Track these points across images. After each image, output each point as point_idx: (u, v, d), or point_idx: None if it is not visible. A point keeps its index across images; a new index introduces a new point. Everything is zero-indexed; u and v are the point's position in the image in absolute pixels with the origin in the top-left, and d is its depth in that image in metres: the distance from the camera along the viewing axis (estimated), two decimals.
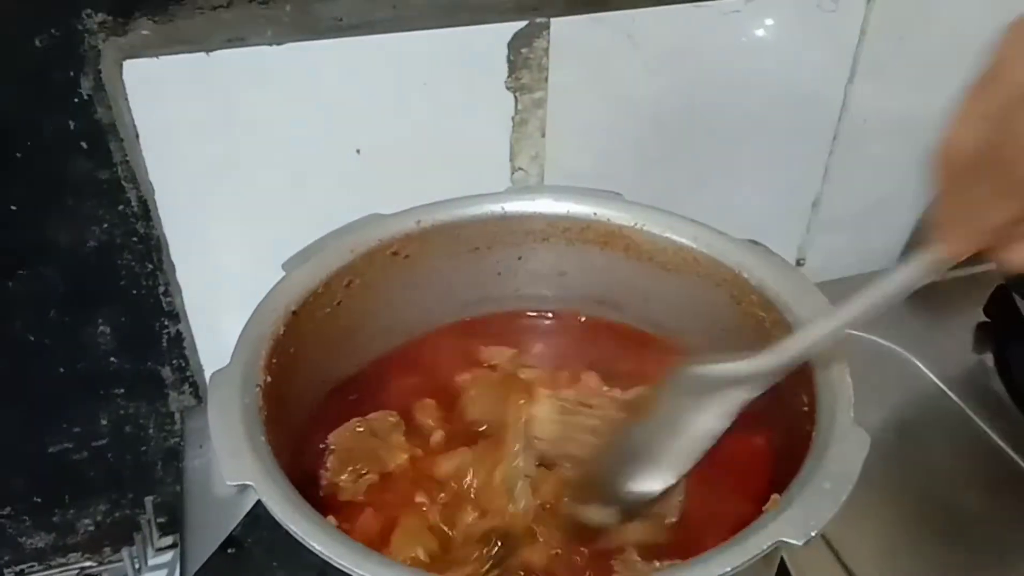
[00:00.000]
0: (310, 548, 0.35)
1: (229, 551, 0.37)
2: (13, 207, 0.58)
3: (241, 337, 0.44)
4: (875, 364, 0.76)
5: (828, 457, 0.38)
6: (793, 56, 0.70)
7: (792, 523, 0.35)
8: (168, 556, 0.74)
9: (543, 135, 0.67)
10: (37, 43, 0.53)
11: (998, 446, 0.68)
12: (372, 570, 0.34)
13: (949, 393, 0.73)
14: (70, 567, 0.75)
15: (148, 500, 0.73)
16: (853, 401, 0.41)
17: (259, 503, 0.37)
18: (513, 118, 0.66)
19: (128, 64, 0.55)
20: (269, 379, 0.43)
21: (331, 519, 0.39)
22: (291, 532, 0.35)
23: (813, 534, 0.35)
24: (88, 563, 0.75)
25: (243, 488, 0.38)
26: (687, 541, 0.44)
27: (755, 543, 0.34)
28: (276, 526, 0.36)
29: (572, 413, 0.51)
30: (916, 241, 0.86)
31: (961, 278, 0.84)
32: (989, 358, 0.75)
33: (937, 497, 0.65)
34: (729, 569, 0.33)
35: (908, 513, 0.64)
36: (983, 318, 0.78)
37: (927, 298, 0.84)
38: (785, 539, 0.34)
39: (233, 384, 0.41)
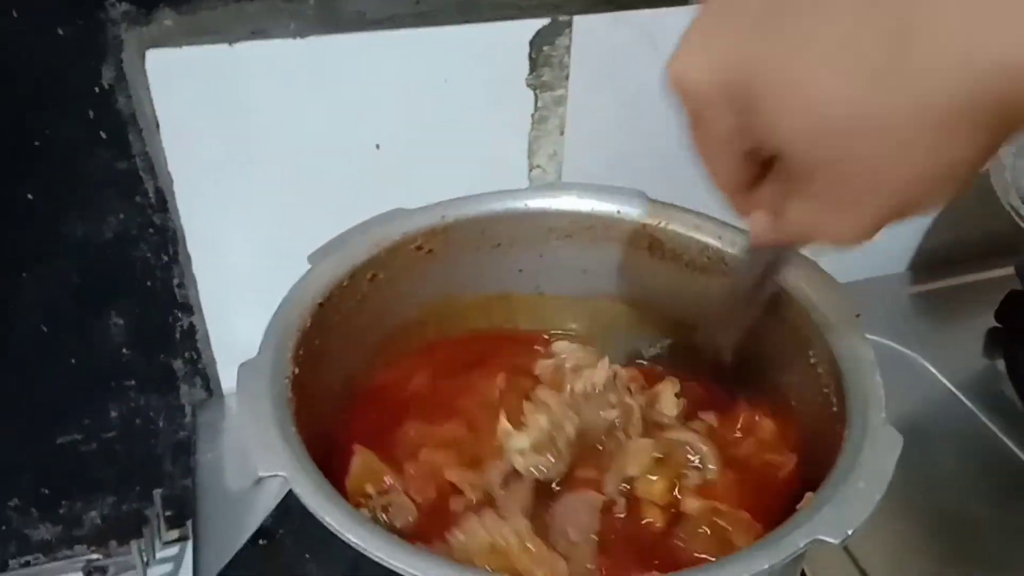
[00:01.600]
0: (344, 539, 0.35)
1: (261, 542, 0.37)
2: (30, 196, 0.58)
3: (269, 328, 0.44)
4: (886, 367, 0.74)
5: (862, 457, 0.38)
6: None
7: (828, 522, 0.35)
8: (175, 550, 0.74)
9: (562, 133, 0.67)
10: (60, 32, 0.53)
11: (1009, 450, 0.69)
12: (406, 561, 0.34)
13: (960, 397, 0.73)
14: (76, 559, 0.74)
15: (157, 493, 0.73)
16: (884, 402, 0.41)
17: (290, 494, 0.37)
18: (533, 115, 0.66)
19: (151, 54, 0.55)
20: (297, 371, 0.43)
21: (363, 511, 0.39)
22: (325, 523, 0.35)
23: (850, 532, 0.35)
24: (94, 556, 0.74)
25: (271, 479, 0.37)
26: (714, 541, 0.44)
27: (791, 540, 0.34)
28: (307, 517, 0.36)
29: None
30: (925, 246, 0.86)
31: (972, 283, 0.85)
32: (1000, 363, 0.75)
33: (947, 500, 0.65)
34: (767, 566, 0.33)
35: (919, 515, 0.64)
36: (994, 323, 0.78)
37: (939, 302, 0.85)
38: (822, 537, 0.34)
39: (263, 375, 0.41)
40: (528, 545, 0.40)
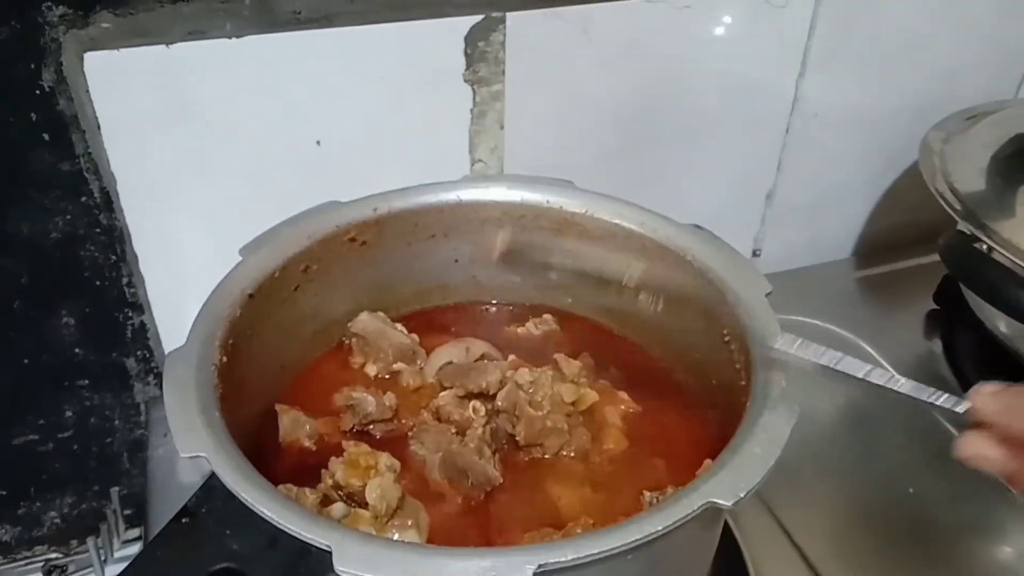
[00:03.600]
0: (261, 515, 0.36)
1: (183, 520, 0.38)
2: None
3: (197, 318, 0.46)
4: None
5: (759, 425, 0.40)
6: (745, 51, 0.72)
7: (722, 486, 0.37)
8: (135, 548, 0.75)
9: (502, 127, 0.68)
10: None
11: (947, 431, 0.70)
12: (320, 533, 0.35)
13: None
14: (36, 560, 0.75)
15: (114, 491, 0.74)
16: (785, 372, 0.43)
17: (213, 476, 0.39)
18: (472, 110, 0.67)
19: (89, 56, 0.56)
20: (225, 359, 0.44)
21: (283, 488, 0.40)
22: (242, 500, 0.36)
23: (742, 495, 0.36)
24: (54, 555, 0.75)
25: (196, 460, 0.39)
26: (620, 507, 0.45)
27: (686, 504, 0.36)
28: (229, 497, 0.37)
29: None
30: (868, 232, 0.88)
31: (912, 267, 0.86)
32: (938, 345, 0.77)
33: (887, 480, 0.67)
34: (661, 528, 0.35)
35: (859, 496, 0.66)
36: (933, 306, 0.80)
37: (879, 287, 0.87)
38: (715, 499, 0.36)
39: (188, 362, 0.42)
40: None
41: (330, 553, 0.34)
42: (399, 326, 0.56)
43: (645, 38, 0.69)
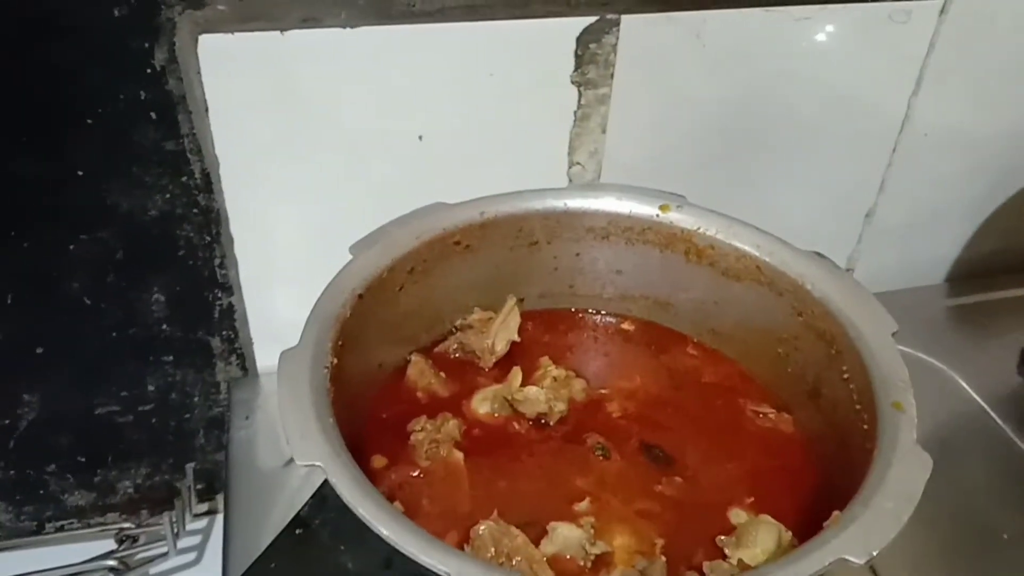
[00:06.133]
0: (377, 532, 0.35)
1: (297, 531, 0.37)
2: (80, 172, 0.59)
3: (310, 318, 0.45)
4: (917, 380, 0.75)
5: (890, 476, 0.38)
6: (859, 65, 0.69)
7: (854, 541, 0.35)
8: (204, 522, 0.76)
9: (604, 131, 0.67)
10: (115, 13, 0.54)
11: None
12: (437, 557, 0.35)
13: (990, 412, 0.72)
14: (108, 527, 0.76)
15: (189, 467, 0.75)
16: (916, 422, 0.41)
17: (326, 483, 0.38)
18: (575, 112, 0.66)
19: (203, 39, 0.56)
20: (336, 361, 0.44)
21: (397, 504, 0.40)
22: (359, 515, 0.36)
23: (874, 553, 0.35)
24: (126, 524, 0.76)
25: (310, 468, 0.38)
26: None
27: (818, 558, 0.35)
28: (343, 508, 0.37)
29: None
30: (965, 257, 0.85)
31: (1010, 299, 0.84)
32: None
33: (973, 515, 0.65)
34: None
35: (943, 530, 0.64)
36: None
37: (973, 317, 0.84)
38: (847, 556, 0.35)
39: (303, 364, 0.42)
40: None
41: None
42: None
43: (758, 47, 0.67)
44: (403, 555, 0.35)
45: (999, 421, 0.71)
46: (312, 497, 0.39)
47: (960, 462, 0.69)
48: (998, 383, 0.75)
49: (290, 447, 0.38)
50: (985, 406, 0.72)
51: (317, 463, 0.38)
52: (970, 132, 0.76)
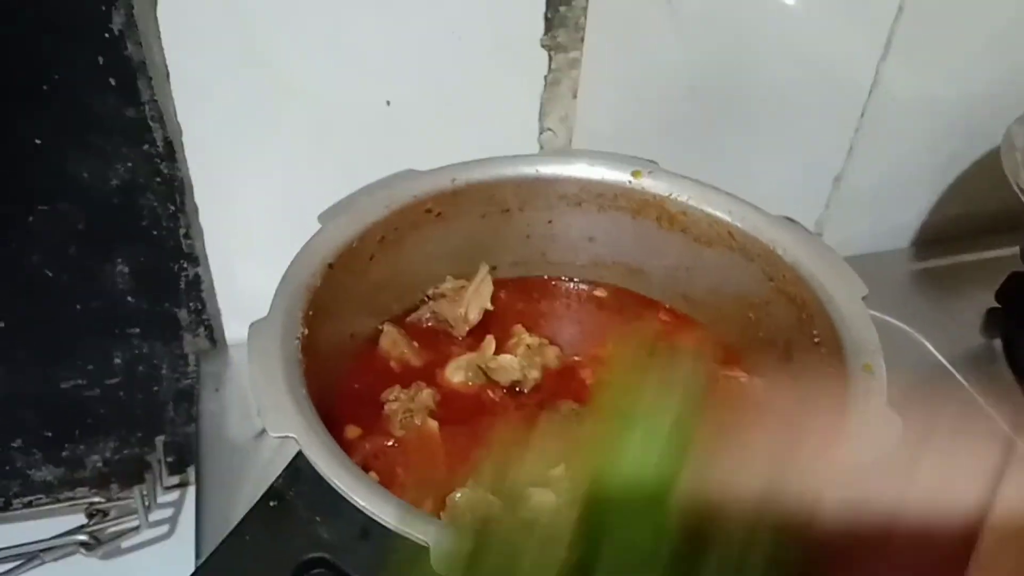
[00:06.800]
0: (352, 502, 0.35)
1: (271, 504, 0.37)
2: (37, 140, 0.57)
3: (280, 288, 0.44)
4: (883, 342, 0.76)
5: (862, 438, 0.39)
6: (828, 29, 0.69)
7: None
8: (175, 495, 0.75)
9: (574, 96, 0.66)
10: None
11: (1001, 430, 0.69)
12: (414, 526, 0.35)
13: (955, 374, 0.74)
14: (78, 501, 0.75)
15: (159, 440, 0.74)
16: (886, 384, 0.42)
17: (299, 455, 0.38)
18: (546, 77, 0.65)
19: (163, 2, 0.54)
20: (307, 331, 0.43)
21: (372, 474, 0.40)
22: (334, 486, 0.36)
23: None
24: (96, 499, 0.75)
25: (283, 440, 0.38)
26: None
27: None
28: (317, 479, 0.37)
29: None
30: (931, 221, 0.86)
31: (973, 262, 0.85)
32: (998, 343, 0.76)
33: None
34: None
35: None
36: (994, 303, 0.78)
37: (938, 280, 0.85)
38: None
39: (274, 335, 0.41)
40: None
41: (427, 548, 0.34)
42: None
43: (727, 9, 0.66)
44: (380, 525, 0.35)
45: (964, 382, 0.72)
46: (286, 469, 0.39)
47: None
48: (962, 346, 0.77)
49: (262, 419, 0.38)
50: (949, 367, 0.74)
51: (291, 434, 0.37)
52: (938, 98, 0.77)
